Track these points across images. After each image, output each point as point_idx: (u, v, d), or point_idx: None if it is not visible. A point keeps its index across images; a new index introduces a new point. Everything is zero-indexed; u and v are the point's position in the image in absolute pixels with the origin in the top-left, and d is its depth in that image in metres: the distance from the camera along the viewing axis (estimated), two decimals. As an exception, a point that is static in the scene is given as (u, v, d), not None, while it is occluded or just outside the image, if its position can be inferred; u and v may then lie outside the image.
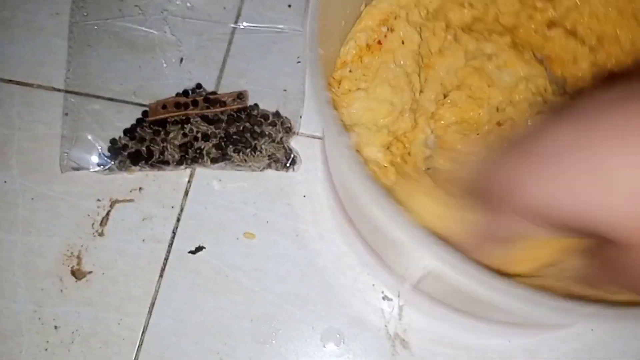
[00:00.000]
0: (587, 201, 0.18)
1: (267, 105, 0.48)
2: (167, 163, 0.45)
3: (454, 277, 0.24)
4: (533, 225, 0.21)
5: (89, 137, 0.46)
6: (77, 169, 0.46)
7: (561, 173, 0.18)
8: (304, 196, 0.46)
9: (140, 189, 0.47)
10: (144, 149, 0.45)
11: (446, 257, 0.24)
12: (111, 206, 0.47)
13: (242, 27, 0.51)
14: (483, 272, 0.23)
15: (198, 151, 0.45)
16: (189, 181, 0.47)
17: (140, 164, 0.45)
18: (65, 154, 0.46)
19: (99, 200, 0.47)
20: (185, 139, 0.45)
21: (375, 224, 0.26)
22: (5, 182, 0.47)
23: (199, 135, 0.45)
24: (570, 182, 0.18)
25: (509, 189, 0.20)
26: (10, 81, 0.51)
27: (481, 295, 0.24)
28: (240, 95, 0.46)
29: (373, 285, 0.44)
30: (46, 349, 0.43)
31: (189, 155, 0.45)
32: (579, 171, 0.18)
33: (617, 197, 0.18)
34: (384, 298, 0.43)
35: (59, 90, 0.50)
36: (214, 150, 0.45)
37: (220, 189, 0.47)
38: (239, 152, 0.45)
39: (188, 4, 0.51)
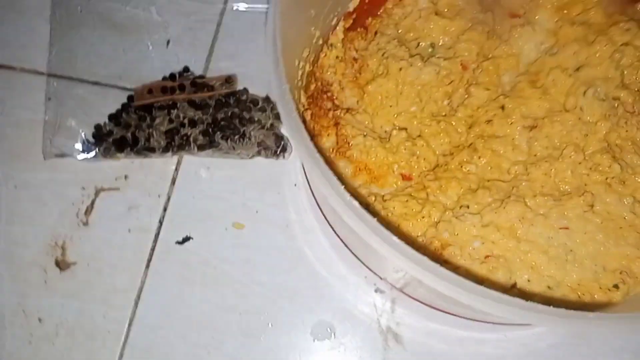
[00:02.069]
0: None
1: (257, 89, 0.45)
2: (153, 150, 0.42)
3: (431, 282, 0.23)
4: None
5: (73, 122, 0.44)
6: (61, 156, 0.44)
7: None
8: (295, 185, 0.44)
9: (125, 177, 0.45)
10: (129, 135, 0.43)
11: (422, 262, 0.23)
12: (96, 195, 0.45)
13: (232, 8, 0.48)
14: (456, 278, 0.23)
15: (185, 138, 0.42)
16: (176, 169, 0.45)
17: (125, 151, 0.43)
18: (49, 141, 0.44)
19: (83, 188, 0.45)
20: (172, 125, 0.43)
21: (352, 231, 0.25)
22: (-13, 169, 0.45)
23: (186, 121, 0.43)
24: None
25: None
26: (-7, 64, 0.48)
27: (460, 299, 0.23)
28: (229, 79, 0.44)
29: (365, 277, 0.41)
30: (30, 342, 0.41)
31: (175, 142, 0.42)
32: None
33: None
34: (377, 291, 0.41)
35: (42, 74, 0.47)
36: (201, 137, 0.42)
37: (208, 178, 0.44)
38: (227, 139, 0.42)
39: (175, -16, 0.48)
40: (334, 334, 0.41)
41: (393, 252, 0.23)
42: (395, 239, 0.24)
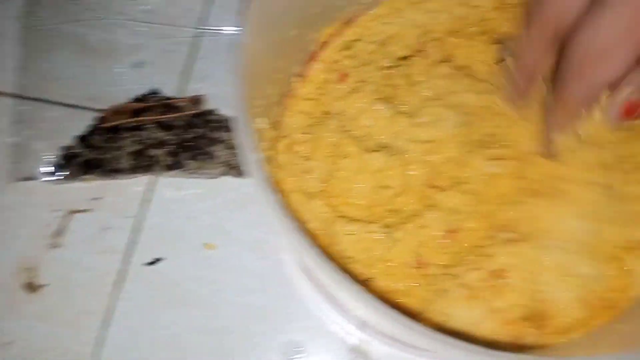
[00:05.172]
0: None
1: (228, 110, 0.43)
2: (119, 171, 0.40)
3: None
4: None
5: (39, 145, 0.41)
6: (26, 179, 0.41)
7: None
8: (266, 205, 0.41)
9: (98, 198, 0.42)
10: (95, 157, 0.40)
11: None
12: (68, 217, 0.42)
13: (205, 30, 0.46)
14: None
15: (151, 159, 0.40)
16: (148, 190, 0.42)
17: (92, 173, 0.40)
18: (14, 164, 0.41)
19: (55, 210, 0.42)
20: (139, 147, 0.40)
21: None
22: (-44, 192, 0.42)
23: (154, 142, 0.40)
24: None
25: None
26: (-39, 87, 0.45)
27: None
28: (194, 100, 0.41)
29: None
30: (-3, 367, 0.38)
31: (142, 163, 0.40)
32: None
33: None
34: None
35: (10, 95, 0.44)
36: (167, 157, 0.40)
37: (180, 198, 0.42)
38: (193, 159, 0.39)
39: (148, 7, 0.46)
40: (304, 353, 0.38)
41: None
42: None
